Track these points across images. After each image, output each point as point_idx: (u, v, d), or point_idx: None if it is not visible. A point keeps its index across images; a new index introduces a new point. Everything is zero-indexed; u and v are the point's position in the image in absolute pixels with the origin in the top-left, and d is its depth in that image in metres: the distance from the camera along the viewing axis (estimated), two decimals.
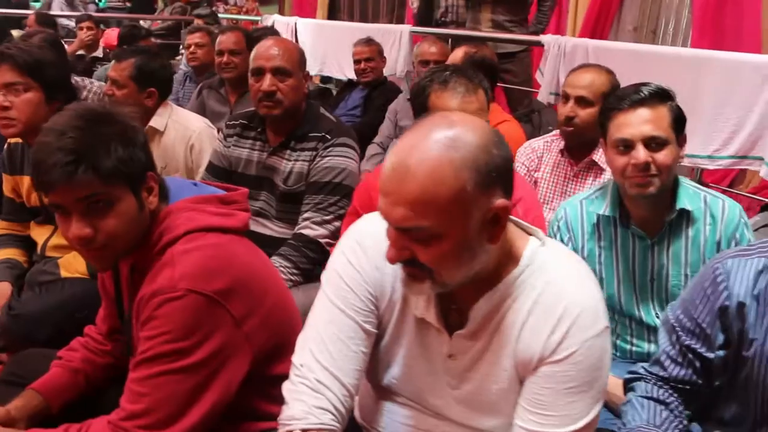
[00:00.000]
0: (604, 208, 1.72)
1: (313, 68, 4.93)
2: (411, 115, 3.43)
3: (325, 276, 1.27)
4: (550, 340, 1.08)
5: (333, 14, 7.86)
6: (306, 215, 2.14)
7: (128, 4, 9.57)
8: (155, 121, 2.58)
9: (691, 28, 4.40)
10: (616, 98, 1.67)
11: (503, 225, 1.05)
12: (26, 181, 2.20)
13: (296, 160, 2.20)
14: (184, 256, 1.26)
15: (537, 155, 2.50)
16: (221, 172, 2.35)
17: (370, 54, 4.00)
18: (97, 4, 9.63)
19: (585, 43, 3.12)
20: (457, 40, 3.70)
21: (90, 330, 1.62)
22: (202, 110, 3.50)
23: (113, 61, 2.60)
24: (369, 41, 4.03)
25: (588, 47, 3.07)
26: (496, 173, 1.01)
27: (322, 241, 2.12)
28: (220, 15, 7.58)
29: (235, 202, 1.43)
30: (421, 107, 1.77)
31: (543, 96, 3.30)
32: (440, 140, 0.99)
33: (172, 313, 1.21)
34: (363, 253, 1.22)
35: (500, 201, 1.02)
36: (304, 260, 2.07)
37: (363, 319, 1.20)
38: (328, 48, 4.93)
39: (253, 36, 3.73)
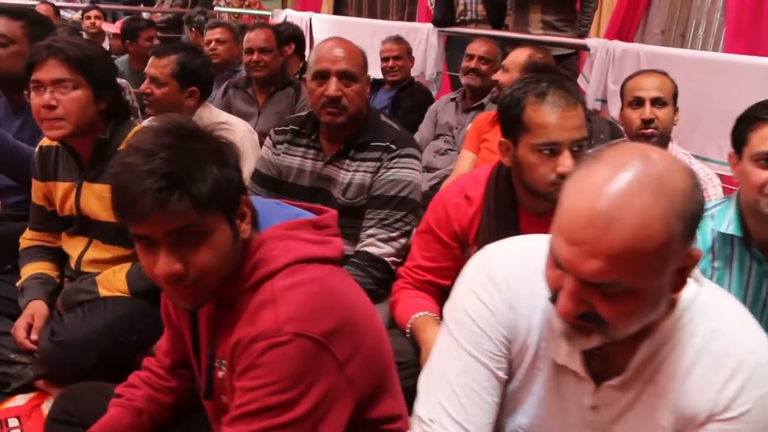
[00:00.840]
0: (725, 225, 1.59)
1: None
2: (453, 117, 3.37)
3: (451, 315, 1.13)
4: (721, 396, 0.96)
5: (339, 10, 7.67)
6: (370, 232, 1.98)
7: None
8: None
9: (724, 32, 4.29)
10: (763, 107, 1.53)
11: (689, 274, 0.93)
12: (60, 188, 2.02)
13: (356, 171, 2.05)
14: (286, 294, 1.10)
15: None
16: (270, 181, 2.19)
17: (399, 52, 3.84)
18: None
19: (637, 48, 2.99)
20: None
21: (150, 363, 1.45)
22: (227, 111, 3.30)
23: (152, 57, 2.42)
24: (398, 39, 3.87)
25: (640, 53, 2.95)
26: (697, 221, 0.89)
27: (388, 259, 1.96)
28: (220, 9, 7.39)
29: (327, 226, 1.27)
30: (513, 121, 1.61)
31: (589, 102, 3.16)
32: (646, 183, 0.85)
33: (278, 360, 1.05)
34: (495, 290, 1.09)
35: (696, 251, 0.92)
36: (370, 281, 1.92)
37: (496, 365, 1.09)
38: None
39: (281, 32, 3.58)
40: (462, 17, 3.99)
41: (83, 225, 2.02)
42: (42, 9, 5.42)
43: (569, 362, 1.04)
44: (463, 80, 3.39)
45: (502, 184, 1.73)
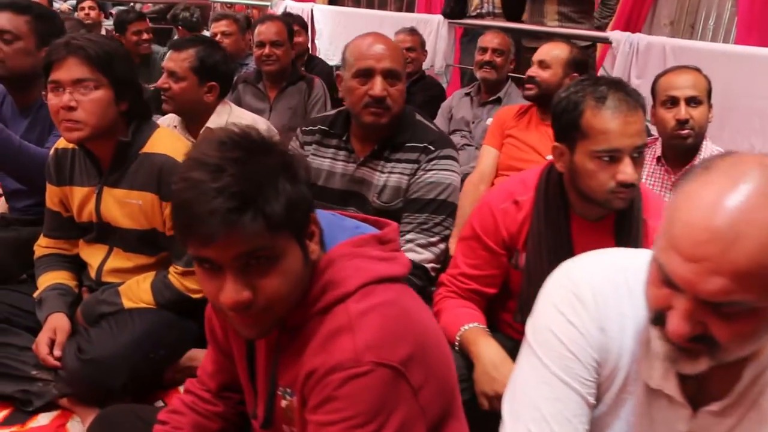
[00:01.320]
0: None
1: (332, 58, 4.66)
2: (469, 112, 3.28)
3: (536, 336, 1.06)
4: None
5: (335, 1, 7.54)
6: (409, 237, 1.89)
7: None
8: (214, 121, 2.31)
9: (736, 23, 4.22)
10: None
11: None
12: (77, 193, 1.91)
13: (391, 173, 1.94)
14: (363, 320, 1.01)
15: None
16: None
17: (413, 44, 3.73)
18: None
19: (662, 42, 2.91)
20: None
21: (193, 387, 1.36)
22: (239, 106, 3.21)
23: (170, 51, 2.31)
24: (412, 30, 3.76)
25: (666, 46, 2.86)
26: None
27: (428, 266, 1.87)
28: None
29: (391, 241, 1.18)
30: (569, 126, 1.53)
31: None
32: None
33: (358, 392, 0.97)
34: (584, 310, 1.01)
35: None
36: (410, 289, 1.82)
37: (587, 391, 1.02)
38: (350, 37, 4.61)
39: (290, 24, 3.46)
40: (478, 10, 3.90)
41: (103, 232, 1.91)
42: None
43: (664, 386, 0.97)
44: (479, 74, 3.31)
45: (552, 189, 1.65)
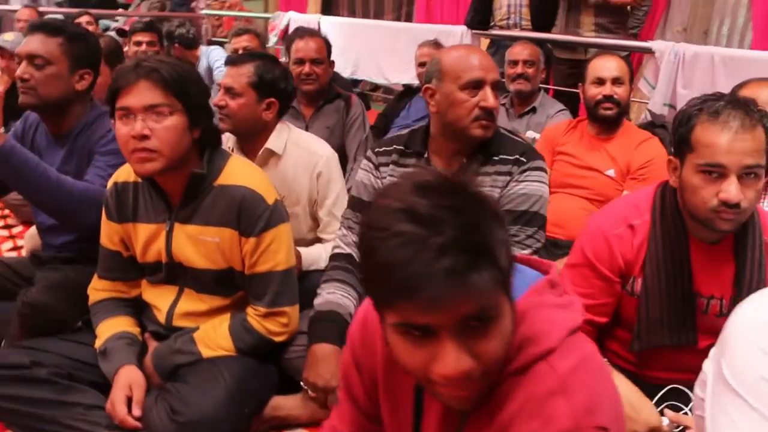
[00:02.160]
0: None
1: (344, 71, 4.54)
2: (507, 124, 3.14)
3: (744, 385, 0.94)
4: None
5: (329, 10, 7.42)
6: None
7: None
8: (273, 142, 2.16)
9: (751, 29, 4.21)
10: None
11: None
12: (142, 230, 1.75)
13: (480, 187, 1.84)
14: (572, 380, 0.89)
15: None
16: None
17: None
18: None
19: (710, 52, 2.84)
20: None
21: None
22: None
23: (227, 67, 2.17)
24: (437, 44, 3.65)
25: (714, 56, 2.79)
26: None
27: None
28: (208, 12, 7.06)
29: (560, 284, 1.06)
30: (681, 139, 1.48)
31: (656, 107, 3.01)
32: None
33: None
34: None
35: None
36: None
37: None
38: (363, 49, 4.53)
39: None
40: (505, 20, 3.81)
41: (173, 272, 1.76)
42: (26, 14, 5.05)
43: None
44: (512, 87, 3.25)
45: (669, 210, 1.58)
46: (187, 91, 1.59)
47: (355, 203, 1.99)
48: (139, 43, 3.82)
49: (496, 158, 1.84)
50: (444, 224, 0.78)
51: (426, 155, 1.90)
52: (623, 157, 2.56)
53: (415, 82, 4.13)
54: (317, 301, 1.86)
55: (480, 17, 3.83)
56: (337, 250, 1.97)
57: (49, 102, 2.01)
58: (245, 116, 2.11)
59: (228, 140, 2.25)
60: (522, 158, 1.83)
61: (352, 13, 7.25)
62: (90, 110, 2.12)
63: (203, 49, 4.40)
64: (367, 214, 0.86)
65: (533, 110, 3.20)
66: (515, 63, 3.23)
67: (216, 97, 2.14)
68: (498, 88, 1.80)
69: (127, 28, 5.42)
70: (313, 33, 3.05)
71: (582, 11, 3.51)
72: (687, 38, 4.58)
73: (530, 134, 3.09)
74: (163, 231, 1.72)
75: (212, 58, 4.30)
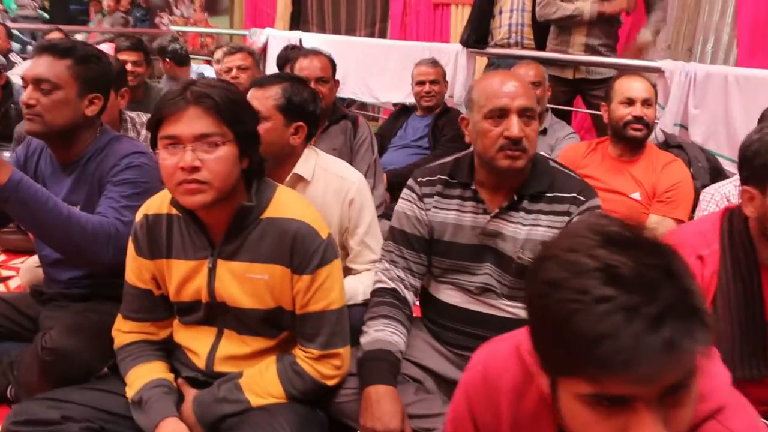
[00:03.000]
0: None
1: None
2: None
3: None
4: None
5: (298, 26, 7.31)
6: None
7: (46, 15, 8.55)
8: (301, 167, 2.04)
9: (736, 47, 4.27)
10: None
11: None
12: (178, 267, 1.60)
13: (535, 225, 1.74)
14: None
15: None
16: (419, 242, 1.85)
17: (436, 76, 3.56)
18: (7, 13, 8.54)
19: (723, 72, 2.84)
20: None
21: None
22: None
23: (252, 89, 2.03)
24: (435, 62, 3.59)
25: (728, 76, 2.79)
26: None
27: None
28: (178, 28, 6.86)
29: None
30: (761, 168, 1.44)
31: (666, 127, 2.98)
32: None
33: None
34: None
35: None
36: None
37: None
38: (349, 67, 4.42)
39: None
40: (506, 39, 3.77)
41: (214, 313, 1.61)
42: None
43: None
44: None
45: (739, 239, 1.53)
46: (240, 118, 1.46)
47: (397, 236, 1.88)
48: (124, 62, 3.62)
49: (549, 195, 1.75)
50: (656, 288, 0.69)
51: (473, 186, 1.81)
52: (648, 179, 2.51)
53: (410, 100, 4.06)
54: (365, 339, 1.74)
55: (477, 36, 3.78)
56: (380, 285, 1.85)
57: (57, 129, 1.85)
58: (272, 141, 1.98)
59: None
60: (580, 197, 1.74)
61: (321, 30, 7.14)
62: (100, 135, 1.96)
63: (193, 67, 4.23)
64: (545, 269, 0.77)
65: (543, 132, 3.14)
66: None
67: None
68: (530, 114, 1.70)
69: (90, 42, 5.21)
70: (318, 51, 2.93)
71: (573, 32, 3.49)
72: (672, 56, 4.63)
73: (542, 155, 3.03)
74: (204, 268, 1.58)
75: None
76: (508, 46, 3.77)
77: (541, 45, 3.70)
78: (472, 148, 1.83)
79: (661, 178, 2.51)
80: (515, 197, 1.75)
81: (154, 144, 1.48)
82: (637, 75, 2.62)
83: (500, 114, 1.69)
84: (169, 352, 1.71)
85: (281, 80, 2.02)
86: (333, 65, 2.91)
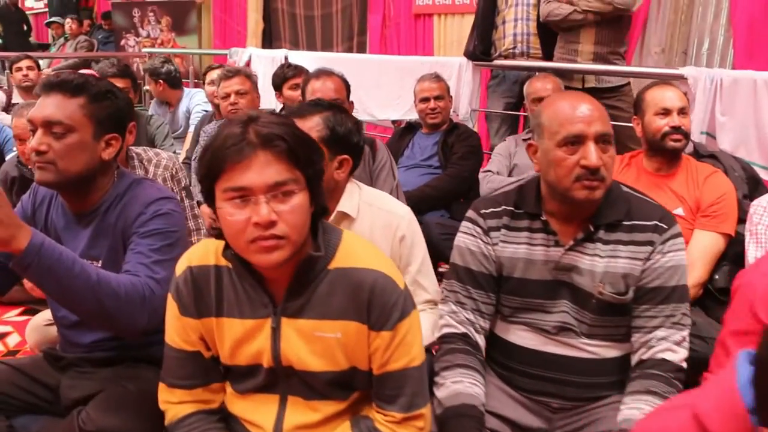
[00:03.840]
0: None
1: None
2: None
3: None
4: None
5: (271, 43, 7.12)
6: (661, 333, 1.56)
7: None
8: (345, 204, 1.86)
9: (732, 48, 4.23)
10: None
11: None
12: (233, 326, 1.39)
13: (614, 257, 1.61)
14: None
15: None
16: (488, 280, 1.69)
17: (440, 92, 3.41)
18: None
19: (751, 76, 2.75)
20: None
21: None
22: None
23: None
24: (438, 77, 3.43)
25: (757, 80, 2.70)
26: None
27: (684, 365, 1.57)
28: (149, 50, 6.60)
29: None
30: None
31: (692, 135, 2.87)
32: None
33: None
34: None
35: None
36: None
37: None
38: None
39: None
40: (511, 50, 3.64)
41: (276, 378, 1.42)
42: None
43: None
44: None
45: None
46: (312, 160, 1.29)
47: (462, 274, 1.71)
48: None
49: (627, 223, 1.62)
50: None
51: (543, 217, 1.67)
52: (691, 194, 2.39)
53: (410, 116, 3.91)
54: (442, 393, 1.58)
55: (483, 47, 3.65)
56: (448, 330, 1.69)
57: (72, 177, 1.64)
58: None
59: None
60: (662, 224, 1.62)
61: (295, 46, 6.97)
62: (118, 180, 1.76)
63: (186, 91, 4.01)
64: None
65: None
66: (539, 100, 3.02)
67: None
68: (608, 140, 1.57)
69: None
70: (329, 71, 2.75)
71: (580, 40, 3.40)
72: (666, 59, 4.59)
73: None
74: (265, 328, 1.38)
75: (194, 101, 3.92)
76: (513, 56, 3.65)
77: (548, 55, 3.59)
78: (527, 173, 1.70)
79: (704, 191, 2.39)
80: (590, 228, 1.61)
81: (209, 197, 1.29)
82: (667, 84, 2.51)
83: (575, 141, 1.55)
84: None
85: (321, 109, 1.84)
86: (347, 86, 2.74)
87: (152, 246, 1.63)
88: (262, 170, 1.22)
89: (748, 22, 4.05)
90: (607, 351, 1.64)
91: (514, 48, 3.64)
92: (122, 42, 7.53)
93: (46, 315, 2.21)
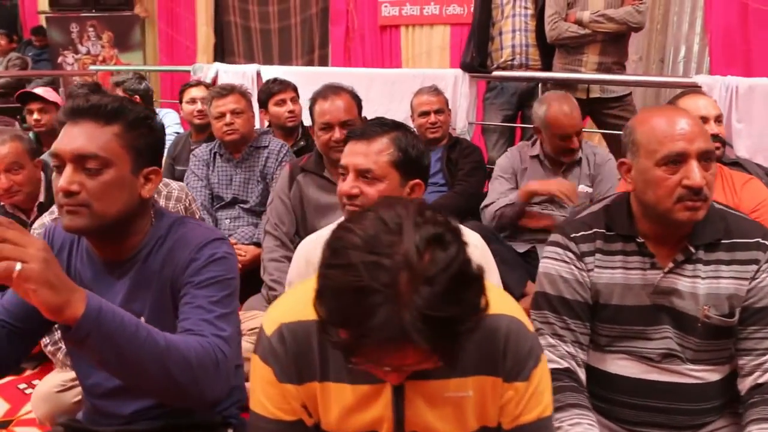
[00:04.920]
0: None
1: (307, 120, 4.04)
2: (541, 175, 2.87)
3: None
4: None
5: (223, 58, 6.82)
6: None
7: None
8: None
9: (708, 56, 4.27)
10: None
11: None
12: (341, 392, 1.18)
13: (716, 278, 1.53)
14: None
15: None
16: (584, 309, 1.57)
17: (440, 105, 3.25)
18: None
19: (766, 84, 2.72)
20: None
21: None
22: (300, 205, 2.50)
23: (350, 142, 1.65)
24: (437, 90, 3.28)
25: None
26: None
27: None
28: (97, 68, 6.19)
29: None
30: None
31: None
32: None
33: None
34: None
35: None
36: None
37: None
38: None
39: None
40: (509, 62, 3.53)
41: None
42: None
43: None
44: (565, 159, 2.83)
45: None
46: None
47: (557, 303, 1.58)
48: None
49: (726, 242, 1.54)
50: None
51: (638, 239, 1.56)
52: (729, 201, 2.31)
53: None
54: None
55: (481, 59, 3.52)
56: (550, 365, 1.53)
57: (110, 221, 1.37)
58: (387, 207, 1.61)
59: None
60: (765, 242, 1.54)
61: (250, 61, 6.70)
62: (157, 219, 1.50)
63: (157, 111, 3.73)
64: None
65: (578, 162, 2.87)
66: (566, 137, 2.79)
67: (345, 185, 1.62)
68: (709, 157, 1.47)
69: None
70: (337, 87, 2.54)
71: (585, 51, 3.35)
72: (644, 67, 4.61)
73: (582, 188, 2.77)
74: (384, 394, 1.18)
75: (166, 122, 3.62)
76: (512, 68, 3.55)
77: (546, 66, 3.50)
78: (610, 192, 1.59)
79: (743, 198, 2.34)
80: (692, 249, 1.52)
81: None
82: (698, 93, 2.45)
83: (676, 160, 1.45)
84: None
85: (387, 128, 1.65)
86: (358, 102, 2.54)
87: (212, 298, 1.39)
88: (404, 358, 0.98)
89: (723, 29, 4.11)
90: (711, 375, 1.56)
91: (513, 60, 3.54)
92: (59, 59, 7.06)
93: (54, 380, 1.91)
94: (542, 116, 2.73)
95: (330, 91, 2.51)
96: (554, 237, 1.64)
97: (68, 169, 1.34)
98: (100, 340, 1.12)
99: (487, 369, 1.18)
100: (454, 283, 0.93)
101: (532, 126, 3.41)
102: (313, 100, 2.53)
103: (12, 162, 2.37)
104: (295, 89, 3.44)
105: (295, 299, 1.24)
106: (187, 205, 2.17)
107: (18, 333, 1.44)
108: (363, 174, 1.62)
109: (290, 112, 3.37)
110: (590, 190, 2.79)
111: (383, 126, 1.67)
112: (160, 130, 1.51)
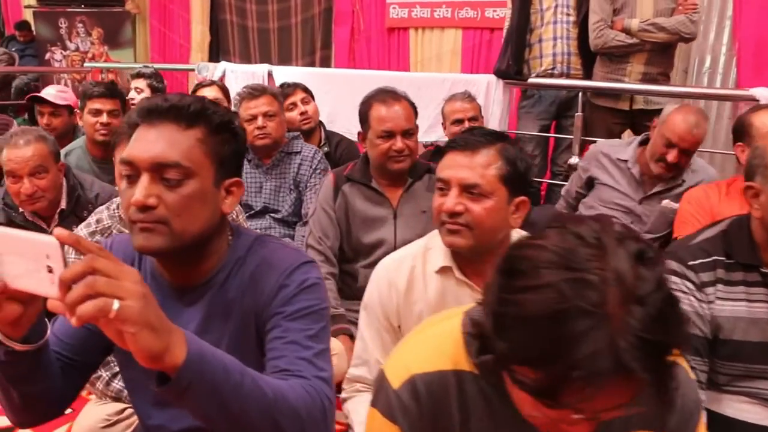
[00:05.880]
0: None
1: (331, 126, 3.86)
2: (637, 195, 2.58)
3: None
4: None
5: (218, 58, 6.59)
6: None
7: None
8: None
9: (735, 67, 4.18)
10: None
11: None
12: None
13: None
14: None
15: None
16: (704, 344, 1.47)
17: (474, 112, 3.08)
18: None
19: None
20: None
21: None
22: (346, 219, 2.30)
23: (449, 152, 1.48)
24: (471, 97, 3.11)
25: None
26: None
27: None
28: (91, 65, 5.92)
29: None
30: None
31: None
32: None
33: None
34: None
35: None
36: None
37: None
38: (337, 102, 3.87)
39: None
40: (550, 70, 3.37)
41: None
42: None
43: None
44: (655, 169, 2.47)
45: None
46: None
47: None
48: (97, 112, 2.83)
49: None
50: None
51: (763, 269, 1.44)
52: None
53: (428, 138, 3.57)
54: None
55: (518, 67, 3.35)
56: None
57: (188, 240, 1.16)
58: (494, 226, 1.44)
59: (442, 256, 1.54)
60: None
61: (246, 61, 6.48)
62: (235, 238, 1.29)
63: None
64: None
65: (681, 184, 2.56)
66: (672, 144, 2.42)
67: (449, 201, 1.44)
68: None
69: None
70: (394, 92, 2.36)
71: (631, 60, 3.23)
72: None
73: (666, 203, 2.56)
74: None
75: None
76: (552, 76, 3.39)
77: (587, 75, 3.37)
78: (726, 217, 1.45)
79: None
80: None
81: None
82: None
83: None
84: None
85: (492, 139, 1.47)
86: (415, 109, 2.37)
87: (308, 332, 1.18)
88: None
89: (756, 40, 4.02)
90: None
91: (554, 68, 3.39)
92: (47, 56, 6.75)
93: (96, 414, 1.68)
94: (665, 114, 2.45)
95: (389, 96, 2.32)
96: (670, 264, 1.48)
97: (145, 180, 1.12)
98: (202, 391, 0.92)
99: (650, 423, 1.00)
100: (664, 304, 0.78)
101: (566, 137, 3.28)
102: (368, 105, 2.33)
103: (37, 165, 2.12)
104: (304, 89, 3.25)
105: (425, 345, 1.06)
106: (234, 217, 1.96)
107: (74, 366, 1.25)
108: (468, 189, 1.43)
109: (302, 113, 3.17)
110: (676, 205, 2.52)
111: (487, 136, 1.49)
112: (243, 135, 1.30)
